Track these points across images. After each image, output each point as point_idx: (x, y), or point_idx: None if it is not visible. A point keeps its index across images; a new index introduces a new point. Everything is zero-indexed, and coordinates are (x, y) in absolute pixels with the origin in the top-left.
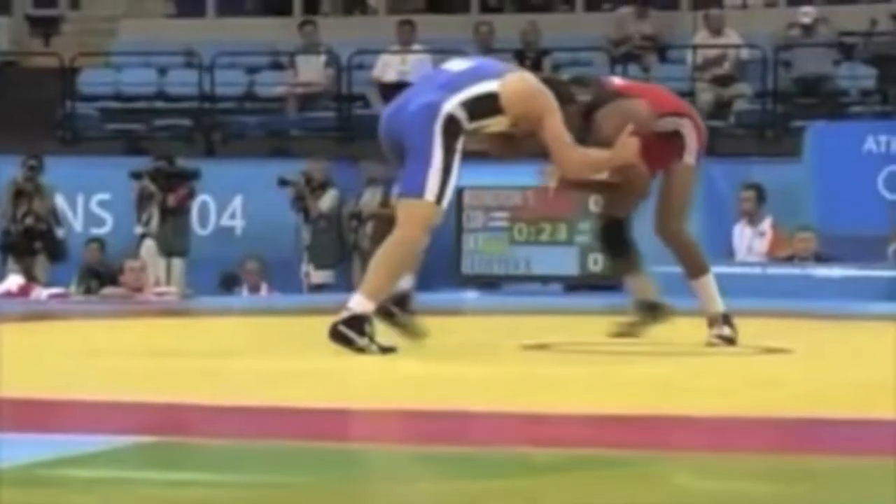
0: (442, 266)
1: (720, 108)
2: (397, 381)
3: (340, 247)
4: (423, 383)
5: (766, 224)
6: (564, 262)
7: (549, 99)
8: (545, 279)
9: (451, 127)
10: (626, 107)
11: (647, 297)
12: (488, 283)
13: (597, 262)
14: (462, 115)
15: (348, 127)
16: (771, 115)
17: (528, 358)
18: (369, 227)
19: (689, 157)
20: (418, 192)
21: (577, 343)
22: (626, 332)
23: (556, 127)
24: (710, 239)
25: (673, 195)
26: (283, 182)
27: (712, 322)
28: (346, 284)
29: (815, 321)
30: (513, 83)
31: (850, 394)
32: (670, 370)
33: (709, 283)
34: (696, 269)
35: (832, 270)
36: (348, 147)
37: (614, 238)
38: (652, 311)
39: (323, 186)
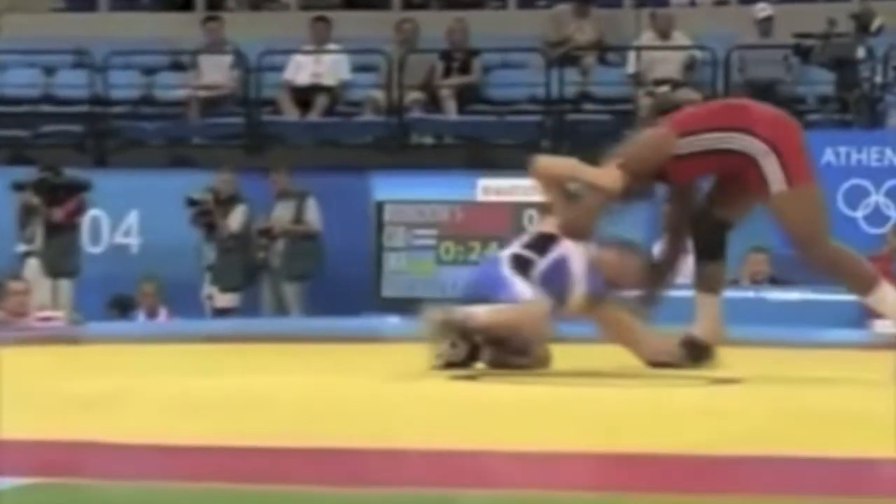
0: (360, 289)
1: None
2: (310, 413)
3: (248, 267)
4: (340, 417)
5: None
6: None
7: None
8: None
9: (520, 263)
10: (636, 138)
11: (702, 334)
12: (412, 307)
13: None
14: (528, 254)
15: (257, 134)
16: None
17: (455, 390)
18: (281, 245)
19: (777, 185)
20: (516, 299)
21: (509, 373)
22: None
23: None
24: None
25: (788, 231)
26: (192, 202)
27: None
28: (254, 309)
29: (768, 349)
30: (565, 230)
31: (798, 427)
32: (609, 402)
33: (882, 297)
34: (862, 286)
35: (788, 294)
36: (257, 157)
37: (706, 229)
38: (695, 352)
39: (231, 201)
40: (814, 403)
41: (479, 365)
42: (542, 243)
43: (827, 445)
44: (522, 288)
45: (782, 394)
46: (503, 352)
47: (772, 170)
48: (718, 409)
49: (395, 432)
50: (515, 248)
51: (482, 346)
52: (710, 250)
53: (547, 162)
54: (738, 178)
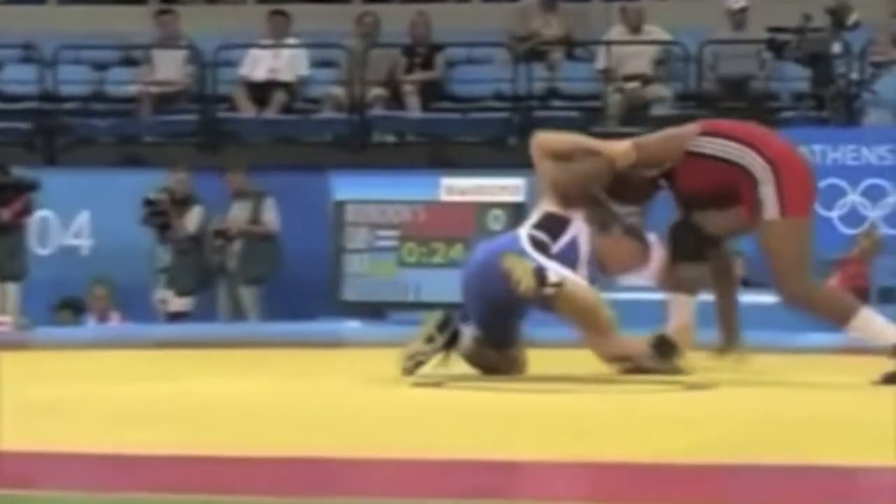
0: (320, 292)
1: (635, 112)
2: (268, 420)
3: (203, 270)
4: (299, 425)
5: (654, 241)
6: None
7: (576, 165)
8: (439, 307)
9: (537, 245)
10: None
11: (672, 333)
12: (373, 310)
13: None
14: (541, 236)
15: (212, 132)
16: (693, 121)
17: (419, 397)
18: (237, 247)
19: (771, 212)
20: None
21: (474, 379)
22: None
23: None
24: None
25: (769, 259)
26: (149, 203)
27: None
28: (210, 313)
29: (742, 353)
30: (554, 188)
31: (775, 434)
32: (581, 408)
33: (863, 324)
34: (840, 318)
35: (761, 297)
36: (212, 155)
37: (683, 231)
38: (664, 349)
39: (186, 202)
40: (789, 410)
41: (453, 358)
42: (553, 225)
43: (804, 453)
44: (565, 273)
45: (758, 400)
46: (481, 345)
47: (768, 195)
48: (693, 417)
49: (358, 441)
50: (527, 228)
51: (461, 337)
52: (688, 252)
53: (550, 137)
54: (735, 197)
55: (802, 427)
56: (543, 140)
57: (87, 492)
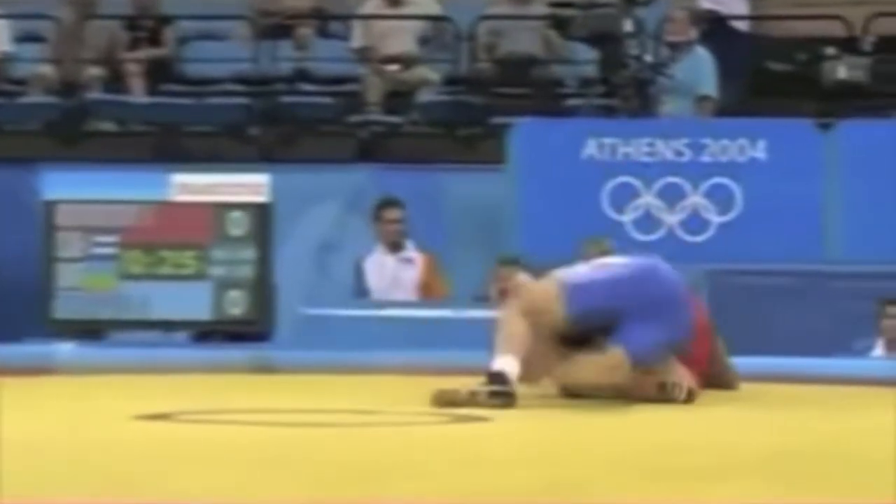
0: (27, 308)
1: (397, 99)
2: None
3: None
4: (12, 467)
5: (412, 250)
6: (193, 302)
7: None
8: (167, 325)
9: None
10: None
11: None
12: (90, 330)
13: (236, 303)
14: None
15: None
16: (465, 109)
17: (142, 432)
18: None
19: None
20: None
21: (208, 411)
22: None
23: None
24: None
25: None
26: None
27: None
28: None
29: None
30: None
31: (563, 473)
32: (330, 445)
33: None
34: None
35: None
36: None
37: None
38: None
39: None
40: (582, 445)
41: None
42: None
43: (599, 491)
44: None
45: (529, 433)
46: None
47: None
48: (475, 453)
49: (69, 485)
50: None
51: None
52: None
53: None
54: None
55: (593, 463)
56: None
57: None
